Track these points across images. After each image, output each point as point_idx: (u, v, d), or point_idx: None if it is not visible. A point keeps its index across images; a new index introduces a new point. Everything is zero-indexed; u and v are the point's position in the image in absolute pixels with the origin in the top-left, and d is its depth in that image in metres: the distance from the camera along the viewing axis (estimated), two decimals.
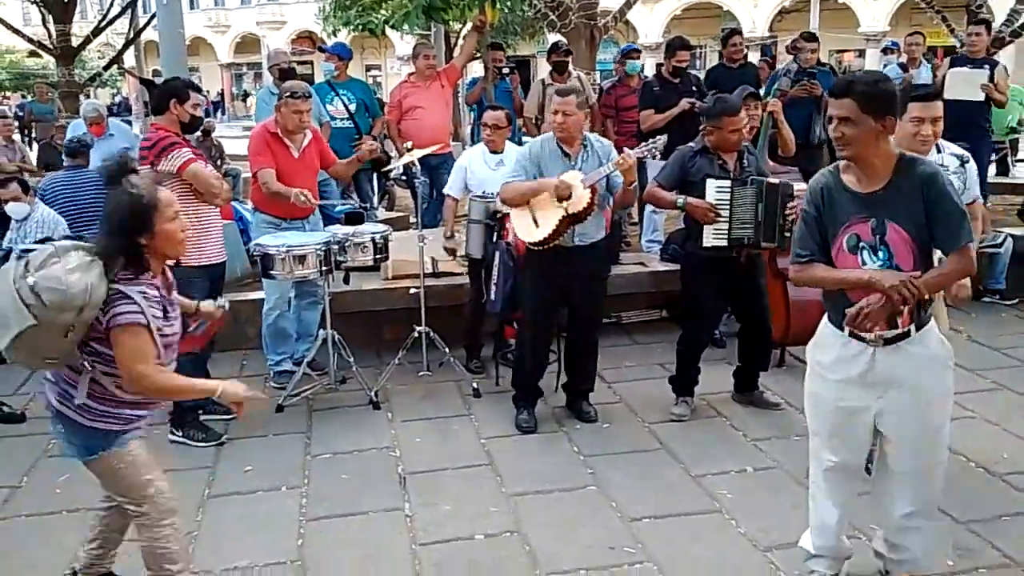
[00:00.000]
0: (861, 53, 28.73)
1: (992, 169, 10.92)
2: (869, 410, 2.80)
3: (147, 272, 2.64)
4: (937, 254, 2.71)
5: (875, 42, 28.77)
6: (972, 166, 3.69)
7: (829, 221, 2.74)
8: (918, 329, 2.71)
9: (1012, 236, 6.49)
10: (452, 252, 5.47)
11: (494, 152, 5.29)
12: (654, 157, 4.36)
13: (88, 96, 16.12)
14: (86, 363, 2.64)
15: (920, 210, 2.58)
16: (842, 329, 2.76)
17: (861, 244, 2.68)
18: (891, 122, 2.60)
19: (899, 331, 2.70)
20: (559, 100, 4.32)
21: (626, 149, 4.29)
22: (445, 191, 5.49)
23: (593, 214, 4.27)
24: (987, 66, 7.07)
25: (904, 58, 8.23)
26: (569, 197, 4.18)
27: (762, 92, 7.03)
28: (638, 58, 7.41)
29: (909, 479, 2.87)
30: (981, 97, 6.91)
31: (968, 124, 6.73)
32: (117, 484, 2.84)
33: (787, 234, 4.64)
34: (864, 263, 2.67)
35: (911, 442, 2.81)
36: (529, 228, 4.35)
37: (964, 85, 6.82)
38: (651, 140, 4.29)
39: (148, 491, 2.82)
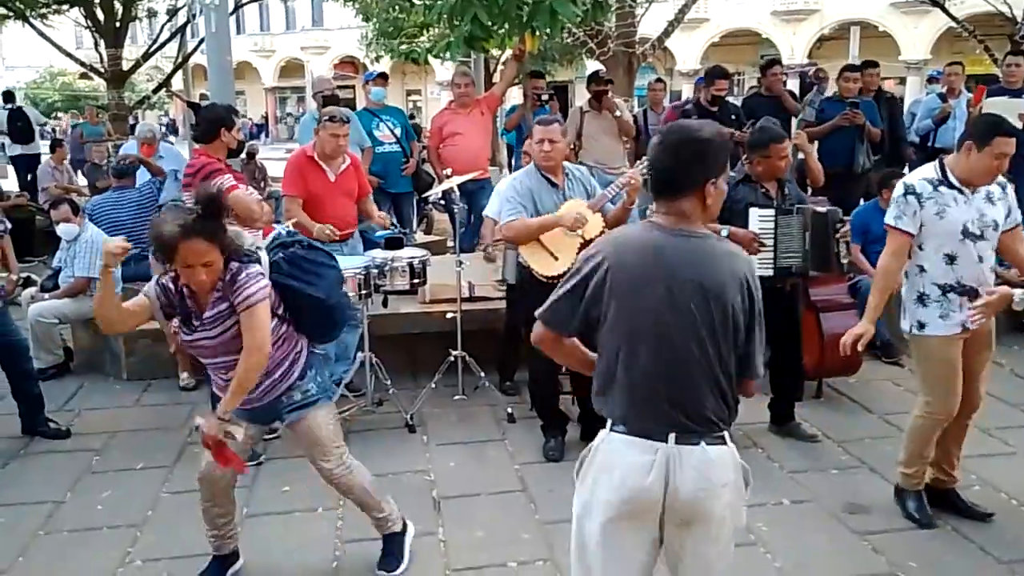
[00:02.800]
0: (902, 81, 28.48)
1: None
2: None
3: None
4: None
5: (916, 70, 28.57)
6: (1011, 190, 3.68)
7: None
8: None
9: None
10: (491, 259, 5.49)
11: None
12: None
13: (137, 118, 16.52)
14: None
15: None
16: None
17: None
18: None
19: None
20: (543, 129, 4.34)
21: (627, 170, 4.32)
22: (484, 213, 5.56)
23: None
24: None
25: (944, 88, 8.16)
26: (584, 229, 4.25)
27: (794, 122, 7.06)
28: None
29: None
30: (1020, 126, 6.81)
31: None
32: None
33: (843, 260, 4.65)
34: None
35: None
36: (548, 262, 4.35)
37: (1002, 114, 6.74)
38: (645, 159, 4.32)
39: None
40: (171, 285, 3.02)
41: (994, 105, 6.88)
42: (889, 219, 3.62)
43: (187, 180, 4.25)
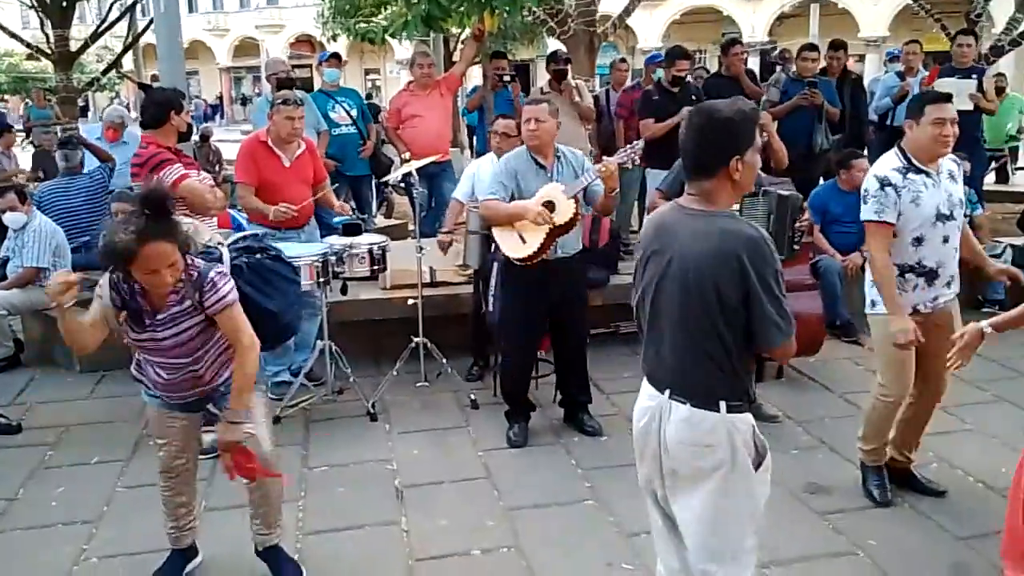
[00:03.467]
0: (861, 58, 28.74)
1: (991, 177, 10.95)
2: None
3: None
4: None
5: (875, 47, 28.82)
6: (962, 169, 3.76)
7: None
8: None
9: (1012, 246, 6.47)
10: (445, 248, 5.47)
11: None
12: (634, 163, 4.35)
13: (87, 101, 16.07)
14: None
15: None
16: None
17: None
18: None
19: None
20: (530, 108, 4.30)
21: (605, 157, 4.28)
22: (453, 195, 5.50)
23: (577, 225, 4.27)
24: (975, 75, 7.07)
25: (903, 66, 8.21)
26: (552, 206, 4.18)
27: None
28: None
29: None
30: (970, 107, 6.90)
31: (960, 134, 6.75)
32: None
33: (796, 246, 4.66)
34: None
35: None
36: (516, 245, 4.32)
37: (953, 93, 6.82)
38: (629, 146, 4.26)
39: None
40: (122, 283, 2.86)
41: (945, 85, 6.95)
42: (870, 215, 3.55)
43: (135, 170, 4.13)
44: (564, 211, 4.17)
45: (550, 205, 4.19)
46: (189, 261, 2.86)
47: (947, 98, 3.56)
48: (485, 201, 4.41)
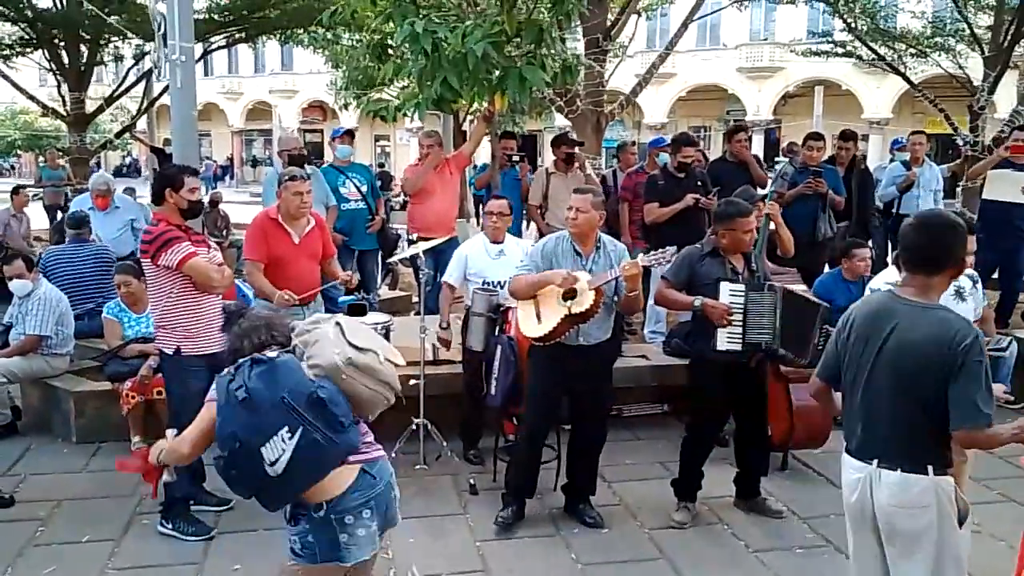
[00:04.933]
0: (864, 138, 29.13)
1: None
2: None
3: None
4: None
5: (878, 129, 29.19)
6: (980, 285, 3.73)
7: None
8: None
9: (1017, 339, 6.42)
10: (446, 344, 5.44)
11: (495, 242, 5.32)
12: (659, 265, 4.35)
13: (98, 159, 16.26)
14: None
15: None
16: None
17: None
18: None
19: None
20: (576, 197, 4.32)
21: (640, 255, 4.26)
22: (443, 279, 5.49)
23: (597, 316, 4.24)
24: None
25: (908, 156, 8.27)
26: (574, 293, 4.16)
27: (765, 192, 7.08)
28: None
29: None
30: (1022, 200, 6.97)
31: (1007, 225, 6.83)
32: None
33: (819, 348, 4.62)
34: None
35: None
36: (532, 323, 4.32)
37: (1006, 186, 6.90)
38: (661, 250, 4.24)
39: None
40: None
41: (999, 178, 7.05)
42: None
43: (144, 247, 4.12)
44: (583, 300, 4.13)
45: (571, 292, 4.17)
46: None
47: (974, 230, 3.57)
48: (515, 276, 4.43)
